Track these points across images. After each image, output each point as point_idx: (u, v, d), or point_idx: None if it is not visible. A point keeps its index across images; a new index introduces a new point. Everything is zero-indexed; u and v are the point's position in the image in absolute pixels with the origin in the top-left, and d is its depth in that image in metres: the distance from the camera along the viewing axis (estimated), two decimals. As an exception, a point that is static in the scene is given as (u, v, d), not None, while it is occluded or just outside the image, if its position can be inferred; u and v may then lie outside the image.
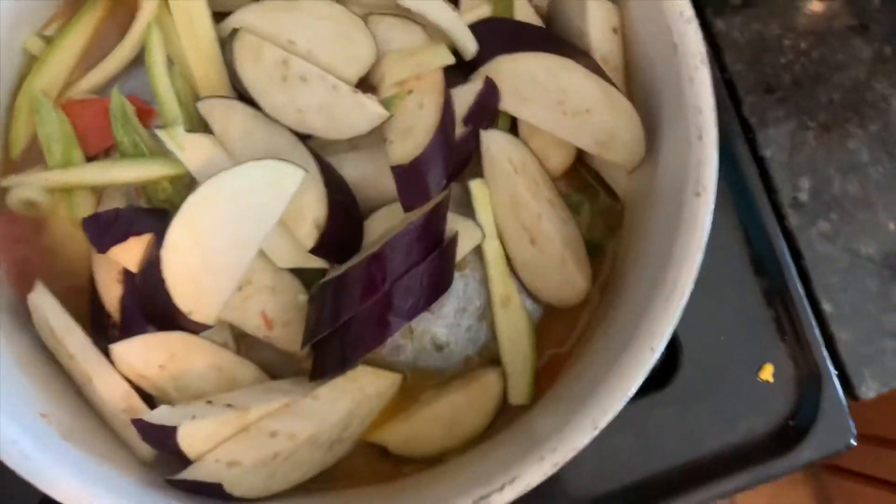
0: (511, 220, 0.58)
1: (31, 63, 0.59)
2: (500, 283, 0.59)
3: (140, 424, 0.49)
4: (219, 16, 0.58)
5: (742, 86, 0.76)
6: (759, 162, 0.74)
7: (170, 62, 0.57)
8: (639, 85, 0.57)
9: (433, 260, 0.53)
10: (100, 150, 0.59)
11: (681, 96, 0.50)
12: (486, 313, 0.60)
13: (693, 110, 0.49)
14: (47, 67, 0.59)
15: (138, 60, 0.59)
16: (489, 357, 0.60)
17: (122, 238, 0.53)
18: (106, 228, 0.53)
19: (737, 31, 0.76)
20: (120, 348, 0.52)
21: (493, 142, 0.58)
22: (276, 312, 0.57)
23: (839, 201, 0.75)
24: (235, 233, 0.51)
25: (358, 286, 0.52)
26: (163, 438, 0.49)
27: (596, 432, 0.47)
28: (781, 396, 0.71)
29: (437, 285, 0.54)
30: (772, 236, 0.71)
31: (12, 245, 0.58)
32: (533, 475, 0.46)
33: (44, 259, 0.58)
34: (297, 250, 0.55)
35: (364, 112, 0.53)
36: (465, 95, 0.56)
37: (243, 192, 0.51)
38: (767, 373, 0.71)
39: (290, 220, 0.54)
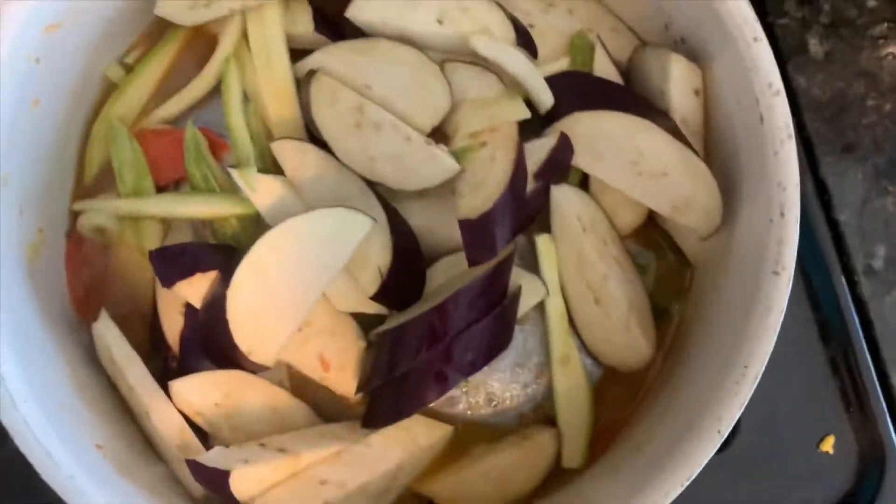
0: (576, 279, 0.57)
1: (109, 89, 0.60)
2: (561, 341, 0.57)
3: (194, 465, 0.49)
4: (296, 53, 0.58)
5: (820, 145, 0.73)
6: (833, 225, 0.72)
7: (245, 98, 0.58)
8: (718, 149, 0.55)
9: (495, 317, 0.52)
10: (170, 180, 0.59)
11: (764, 169, 0.49)
12: (544, 371, 0.59)
13: (777, 186, 0.48)
14: (126, 95, 0.59)
15: (213, 93, 0.60)
16: (544, 416, 0.59)
17: (188, 273, 0.53)
18: (173, 263, 0.53)
19: (818, 87, 0.74)
20: (179, 385, 0.52)
21: (564, 197, 0.57)
22: (333, 355, 0.56)
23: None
24: (300, 277, 0.51)
25: (417, 338, 0.52)
26: (215, 480, 0.49)
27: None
28: (842, 470, 0.69)
29: (498, 342, 0.53)
30: (842, 303, 0.69)
31: (79, 268, 0.59)
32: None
33: (108, 284, 0.59)
34: (358, 295, 0.55)
35: (436, 165, 0.52)
36: (539, 150, 0.55)
37: (312, 238, 0.50)
38: (828, 444, 0.69)
39: (354, 265, 0.53)
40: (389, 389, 0.53)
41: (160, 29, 0.60)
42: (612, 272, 0.56)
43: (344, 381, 0.57)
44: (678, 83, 0.55)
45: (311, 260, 0.51)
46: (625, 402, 0.59)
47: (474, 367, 0.52)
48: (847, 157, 0.73)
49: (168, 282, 0.53)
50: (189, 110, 0.60)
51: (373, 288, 0.54)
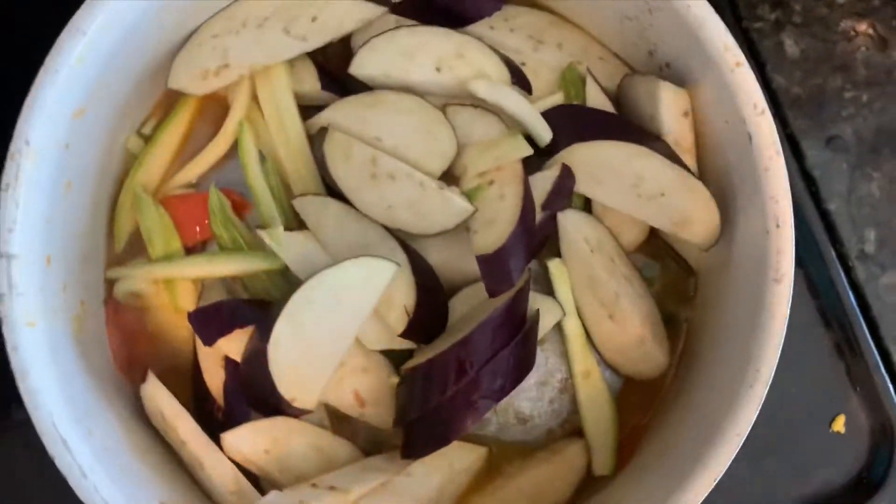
0: (589, 298, 0.60)
1: (130, 161, 0.63)
2: (581, 358, 0.61)
3: (253, 511, 0.53)
4: (305, 110, 0.61)
5: (804, 139, 0.77)
6: (824, 214, 0.75)
7: (262, 157, 0.61)
8: (711, 166, 0.59)
9: (518, 343, 0.55)
10: (197, 242, 0.62)
11: (756, 184, 0.52)
12: (568, 386, 0.63)
13: (770, 200, 0.51)
14: (146, 164, 0.62)
15: (230, 153, 0.63)
16: (571, 429, 0.62)
17: (227, 331, 0.56)
18: (211, 322, 0.57)
19: (797, 85, 0.77)
20: (230, 436, 0.56)
21: (570, 222, 0.60)
22: (367, 392, 0.60)
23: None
24: (333, 324, 0.55)
25: (446, 372, 0.55)
26: (274, 524, 0.53)
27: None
28: (855, 448, 0.72)
29: (523, 366, 0.56)
30: (839, 289, 0.72)
31: (119, 333, 0.62)
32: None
33: (148, 345, 0.62)
34: (387, 333, 0.58)
35: (451, 208, 0.56)
36: (543, 182, 0.58)
37: (341, 287, 0.54)
38: (840, 424, 0.72)
39: (381, 306, 0.57)
40: (426, 420, 0.57)
41: (173, 97, 0.64)
42: (623, 289, 0.60)
43: (380, 415, 0.60)
44: (667, 108, 0.58)
45: (342, 308, 0.54)
46: (644, 408, 0.62)
47: (503, 391, 0.56)
48: (831, 149, 0.77)
49: (209, 341, 0.56)
50: (208, 172, 0.63)
51: (401, 326, 0.57)
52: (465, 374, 0.54)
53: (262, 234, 0.57)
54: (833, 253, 0.73)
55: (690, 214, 0.57)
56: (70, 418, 0.50)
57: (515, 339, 0.55)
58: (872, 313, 0.74)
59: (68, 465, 0.49)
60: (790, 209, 0.51)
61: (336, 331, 0.55)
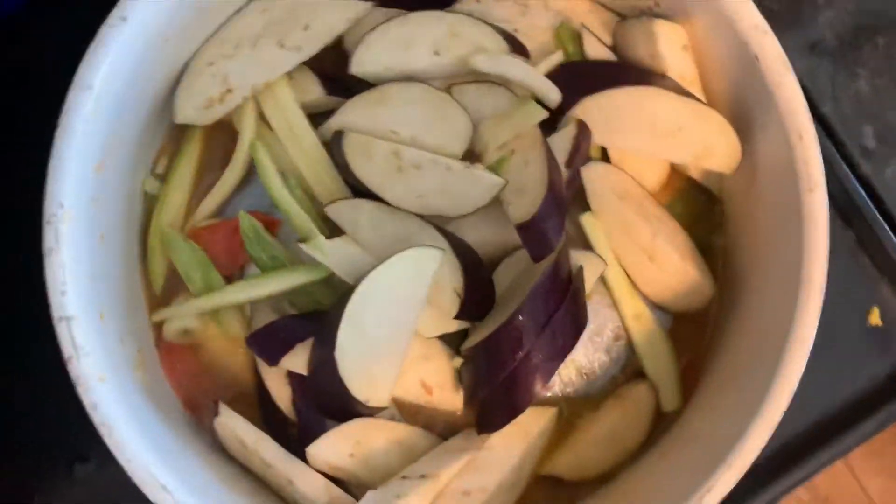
0: (626, 244, 0.62)
1: (151, 202, 0.63)
2: (629, 302, 0.63)
3: (356, 516, 0.54)
4: (313, 119, 0.61)
5: (789, 51, 0.78)
6: (820, 120, 0.77)
7: (282, 175, 0.61)
8: (718, 92, 0.60)
9: (568, 302, 0.57)
10: (233, 269, 0.63)
11: (770, 102, 0.54)
12: (621, 333, 0.64)
13: (788, 114, 0.53)
14: (167, 203, 0.63)
15: (247, 176, 0.63)
16: (632, 373, 0.64)
17: (288, 348, 0.57)
18: (270, 343, 0.57)
19: (774, 2, 0.78)
20: (314, 448, 0.57)
21: (595, 175, 0.61)
22: (433, 378, 0.61)
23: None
24: (393, 320, 0.56)
25: (507, 344, 0.56)
26: (378, 522, 0.54)
27: (770, 434, 0.51)
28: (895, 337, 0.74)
29: (577, 322, 0.58)
30: (850, 188, 0.74)
31: (178, 373, 0.62)
32: (726, 482, 0.50)
33: (208, 379, 0.63)
34: (441, 319, 0.59)
35: (482, 184, 0.57)
36: (562, 142, 0.59)
37: (393, 283, 0.55)
38: (875, 316, 0.75)
39: (432, 293, 0.57)
40: (496, 394, 0.58)
41: (179, 132, 0.64)
42: (657, 229, 0.61)
43: (448, 398, 0.61)
44: (666, 44, 0.59)
45: (398, 303, 0.55)
46: (698, 340, 0.64)
47: (565, 351, 0.57)
48: (815, 55, 0.78)
49: (273, 361, 0.57)
50: (228, 199, 0.64)
51: (454, 309, 0.58)
52: (525, 343, 0.56)
53: (304, 247, 0.57)
54: (837, 154, 0.75)
55: (710, 143, 0.59)
56: (162, 464, 0.51)
57: (566, 298, 0.57)
58: (886, 206, 0.76)
59: (172, 508, 0.50)
60: (809, 118, 0.53)
61: (397, 326, 0.56)
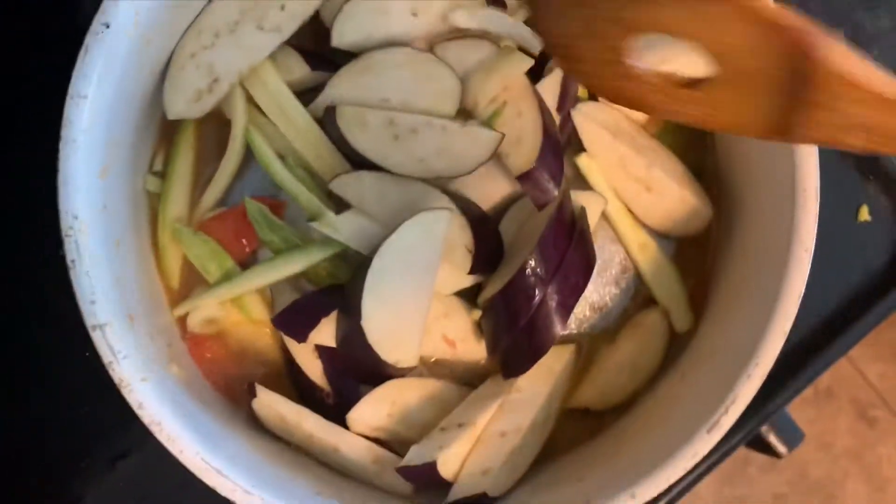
0: (623, 178, 0.64)
1: (154, 200, 0.64)
2: (632, 234, 0.65)
3: (404, 470, 0.57)
4: (302, 95, 0.62)
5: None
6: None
7: (280, 157, 0.62)
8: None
9: (576, 242, 0.59)
10: (246, 255, 0.64)
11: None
12: (628, 264, 0.66)
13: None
14: (171, 199, 0.63)
15: (245, 163, 0.64)
16: (643, 301, 0.67)
17: (314, 324, 0.59)
18: (296, 321, 0.59)
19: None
20: (354, 414, 0.59)
21: (586, 115, 0.63)
22: (455, 332, 0.63)
23: (875, 39, 0.79)
24: (412, 283, 0.57)
25: (524, 291, 0.58)
26: (424, 473, 0.57)
27: (783, 339, 0.54)
28: (886, 230, 0.77)
29: (587, 260, 0.60)
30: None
31: (208, 363, 0.64)
32: (747, 392, 0.53)
33: (238, 364, 0.65)
34: (456, 275, 0.61)
35: (480, 140, 0.58)
36: (551, 87, 0.60)
37: (407, 249, 0.56)
38: (865, 213, 0.77)
39: (446, 253, 0.59)
40: (518, 339, 0.60)
41: (170, 128, 0.64)
42: (651, 159, 0.63)
43: (471, 350, 0.64)
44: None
45: (415, 266, 0.57)
46: (702, 262, 0.66)
47: (579, 289, 0.59)
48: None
49: (301, 337, 0.59)
50: (230, 187, 0.65)
51: (468, 265, 0.60)
52: (539, 288, 0.58)
53: (315, 225, 0.59)
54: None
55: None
56: (212, 450, 0.53)
57: (573, 240, 0.59)
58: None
59: (231, 489, 0.52)
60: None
61: (416, 288, 0.58)
